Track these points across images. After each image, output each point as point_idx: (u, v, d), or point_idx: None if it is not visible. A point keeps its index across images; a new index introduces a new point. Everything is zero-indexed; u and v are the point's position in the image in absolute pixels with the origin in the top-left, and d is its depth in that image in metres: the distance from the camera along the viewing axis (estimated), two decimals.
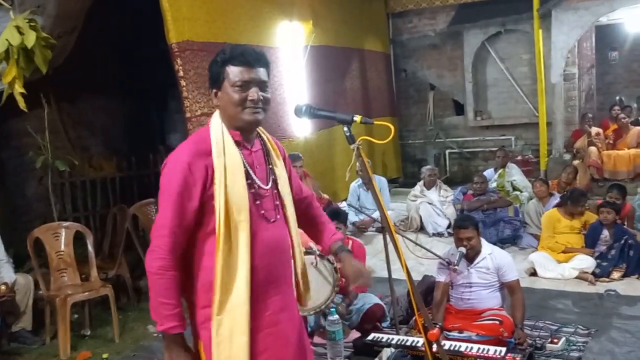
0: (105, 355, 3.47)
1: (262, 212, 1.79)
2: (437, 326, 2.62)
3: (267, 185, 1.84)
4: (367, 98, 8.88)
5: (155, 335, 4.48)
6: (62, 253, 4.61)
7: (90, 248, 4.69)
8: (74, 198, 6.58)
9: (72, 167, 6.01)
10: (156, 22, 4.62)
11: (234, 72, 1.77)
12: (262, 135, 1.93)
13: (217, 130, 1.79)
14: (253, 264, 1.75)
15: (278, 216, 1.84)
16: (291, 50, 6.56)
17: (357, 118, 1.72)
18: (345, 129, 1.74)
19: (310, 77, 7.01)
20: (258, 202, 1.79)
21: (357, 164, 1.78)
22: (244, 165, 1.78)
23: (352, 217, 6.64)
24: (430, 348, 1.72)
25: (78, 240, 4.81)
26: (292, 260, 1.95)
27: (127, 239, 5.15)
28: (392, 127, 1.73)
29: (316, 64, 7.14)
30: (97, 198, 6.76)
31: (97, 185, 6.73)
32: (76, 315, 4.71)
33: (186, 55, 4.67)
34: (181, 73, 4.66)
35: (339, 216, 4.37)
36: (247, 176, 1.78)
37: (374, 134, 1.84)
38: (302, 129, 6.77)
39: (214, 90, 1.83)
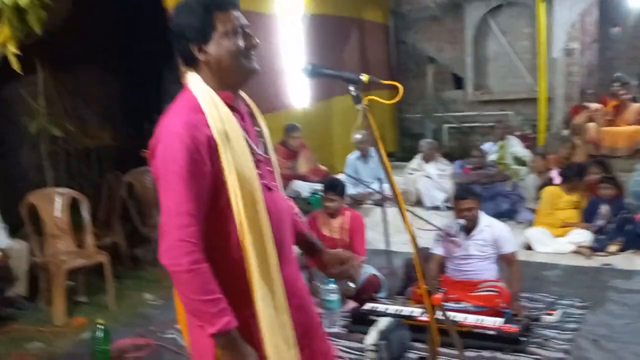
0: (100, 321, 3.45)
1: (264, 181, 1.64)
2: (442, 291, 2.62)
3: (260, 150, 1.68)
4: (366, 69, 8.72)
5: (152, 303, 4.48)
6: (57, 219, 4.56)
7: (85, 215, 4.64)
8: (69, 166, 6.52)
9: (67, 133, 5.93)
10: None
11: (227, 18, 1.55)
12: (240, 94, 1.74)
13: (206, 95, 1.56)
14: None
15: (273, 182, 1.71)
16: (289, 18, 6.44)
17: (364, 77, 1.66)
18: (352, 88, 1.68)
19: (309, 46, 6.89)
20: (259, 172, 1.62)
21: (365, 125, 1.72)
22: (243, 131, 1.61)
23: (350, 189, 6.60)
24: (433, 312, 1.70)
25: (73, 207, 4.76)
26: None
27: (122, 208, 5.11)
28: (400, 86, 1.66)
29: (315, 33, 7.02)
30: (93, 167, 6.70)
31: (92, 154, 6.66)
32: (72, 283, 4.68)
33: None
34: None
35: (335, 187, 4.32)
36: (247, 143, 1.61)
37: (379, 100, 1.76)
38: (300, 100, 6.68)
39: (197, 45, 1.56)
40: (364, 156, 6.69)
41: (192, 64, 1.60)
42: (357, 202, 6.56)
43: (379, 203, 5.16)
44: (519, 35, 9.18)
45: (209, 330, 1.46)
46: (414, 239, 1.74)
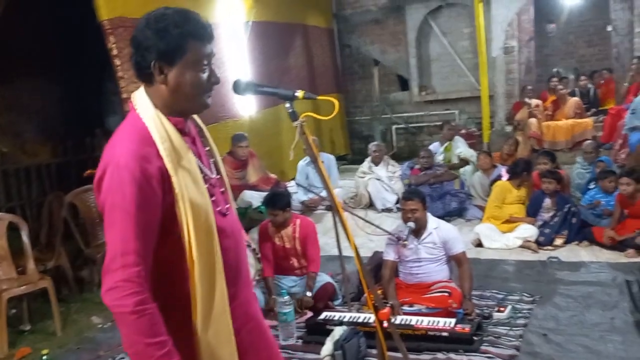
0: (44, 351, 3.28)
1: (218, 208, 1.60)
2: (388, 305, 2.64)
3: (213, 173, 1.64)
4: (312, 75, 8.78)
5: (100, 326, 4.32)
6: None
7: (25, 239, 4.43)
8: (8, 187, 6.23)
9: (3, 152, 5.67)
10: None
11: (198, 48, 1.49)
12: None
13: (155, 121, 1.48)
14: (224, 265, 1.55)
15: (227, 205, 1.67)
16: (232, 26, 6.37)
17: (300, 93, 1.62)
18: (288, 105, 1.65)
19: (253, 54, 6.84)
20: (214, 198, 1.58)
21: (303, 142, 1.70)
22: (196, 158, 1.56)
23: (301, 195, 6.59)
24: (382, 327, 1.69)
25: (13, 231, 4.54)
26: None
27: (65, 228, 4.91)
28: (335, 101, 1.65)
29: (258, 40, 6.97)
30: (32, 186, 6.43)
31: (31, 173, 6.39)
32: (14, 310, 4.47)
33: (119, 33, 4.44)
34: (115, 52, 4.44)
35: (274, 204, 4.16)
36: (200, 170, 1.57)
37: (320, 111, 1.76)
38: (246, 108, 6.62)
39: (160, 65, 1.47)
40: (314, 162, 6.67)
41: (145, 78, 1.52)
42: (308, 208, 6.55)
43: (331, 208, 5.15)
44: (459, 35, 9.39)
45: None
46: (356, 251, 1.73)
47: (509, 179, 5.73)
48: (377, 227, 4.36)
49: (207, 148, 1.68)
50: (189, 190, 1.48)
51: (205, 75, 1.53)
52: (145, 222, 1.42)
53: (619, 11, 8.96)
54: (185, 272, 1.51)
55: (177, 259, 1.50)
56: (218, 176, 1.67)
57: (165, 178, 1.45)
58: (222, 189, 1.68)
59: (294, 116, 1.66)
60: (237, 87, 1.66)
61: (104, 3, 4.36)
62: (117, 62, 4.46)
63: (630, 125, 6.79)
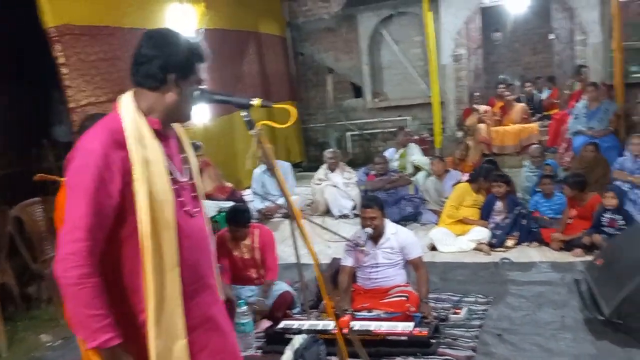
0: None
1: (186, 208, 1.70)
2: (347, 312, 2.64)
3: (184, 176, 1.74)
4: (266, 83, 8.76)
5: (49, 344, 4.15)
6: None
7: None
8: None
9: None
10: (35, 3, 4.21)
11: (199, 70, 1.71)
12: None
13: (132, 118, 1.61)
14: (182, 263, 1.65)
15: (196, 209, 1.76)
16: (183, 34, 6.27)
17: (256, 101, 1.62)
18: (244, 113, 1.64)
19: (206, 62, 6.75)
20: (181, 199, 1.69)
21: (260, 150, 1.69)
22: (165, 157, 1.66)
23: (258, 204, 6.54)
24: (342, 334, 1.69)
25: None
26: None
27: (10, 244, 4.70)
28: (292, 109, 1.65)
29: (211, 48, 6.86)
30: None
31: None
32: None
33: (66, 40, 4.31)
34: (62, 60, 4.31)
35: (236, 221, 4.08)
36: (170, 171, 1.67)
37: (276, 119, 1.75)
38: (200, 116, 6.53)
39: (176, 77, 1.65)
40: (270, 170, 6.64)
41: (151, 85, 1.64)
42: (265, 216, 6.50)
43: (288, 216, 5.13)
44: (410, 43, 9.58)
45: (90, 344, 1.52)
46: (315, 259, 1.73)
47: (467, 181, 5.86)
48: (335, 233, 4.37)
49: (183, 155, 1.79)
50: (151, 184, 1.59)
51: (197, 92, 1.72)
52: (100, 203, 1.53)
53: (560, 20, 9.35)
54: (140, 263, 1.60)
55: (134, 251, 1.60)
56: (191, 181, 1.78)
57: (126, 168, 1.56)
58: (194, 194, 1.78)
59: (250, 125, 1.65)
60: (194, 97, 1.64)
61: (50, 10, 4.22)
62: (64, 70, 4.32)
63: (573, 130, 7.09)
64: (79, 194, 1.53)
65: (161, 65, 1.63)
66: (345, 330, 1.72)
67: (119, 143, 1.57)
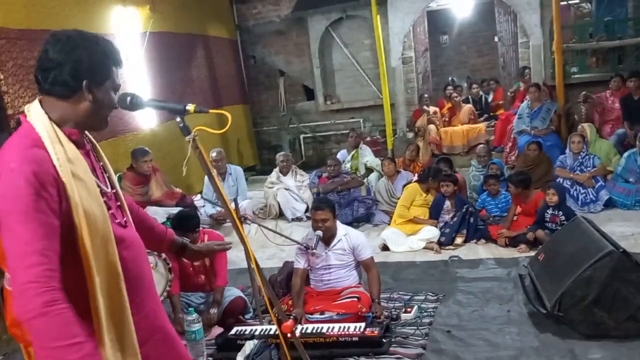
0: None
1: (117, 220, 1.61)
2: (291, 317, 2.64)
3: (108, 187, 1.64)
4: (215, 86, 8.67)
5: None
6: None
7: None
8: None
9: None
10: None
11: (116, 75, 1.60)
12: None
13: (49, 131, 1.47)
14: (126, 275, 1.56)
15: (125, 219, 1.68)
16: (127, 38, 6.15)
17: (190, 107, 1.60)
18: (179, 119, 1.62)
19: (152, 67, 6.64)
20: (111, 211, 1.59)
21: (197, 157, 1.66)
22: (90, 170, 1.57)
23: (209, 209, 6.46)
24: (285, 340, 1.68)
25: None
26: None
27: None
28: (228, 115, 1.63)
29: (157, 52, 6.78)
30: None
31: None
32: None
33: (2, 45, 4.14)
34: None
35: (183, 227, 3.94)
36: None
37: (220, 122, 1.74)
38: (147, 121, 6.40)
39: (90, 83, 1.53)
40: (221, 174, 6.58)
41: (61, 93, 1.52)
42: (217, 221, 6.43)
43: (240, 221, 5.08)
44: (360, 46, 9.68)
45: None
46: (256, 265, 1.72)
47: (417, 182, 5.95)
48: (286, 237, 4.37)
49: (101, 163, 1.69)
50: (83, 199, 1.47)
51: (115, 98, 1.62)
52: (45, 224, 1.37)
53: (504, 23, 9.64)
54: (86, 282, 1.47)
55: (78, 271, 1.47)
56: (113, 190, 1.68)
57: (59, 185, 1.43)
58: (118, 203, 1.70)
59: (186, 130, 1.63)
60: (122, 102, 1.60)
61: None
62: (0, 76, 4.15)
63: (518, 129, 7.33)
64: (18, 219, 1.35)
65: (71, 71, 1.50)
66: (290, 335, 1.71)
67: (45, 159, 1.43)
